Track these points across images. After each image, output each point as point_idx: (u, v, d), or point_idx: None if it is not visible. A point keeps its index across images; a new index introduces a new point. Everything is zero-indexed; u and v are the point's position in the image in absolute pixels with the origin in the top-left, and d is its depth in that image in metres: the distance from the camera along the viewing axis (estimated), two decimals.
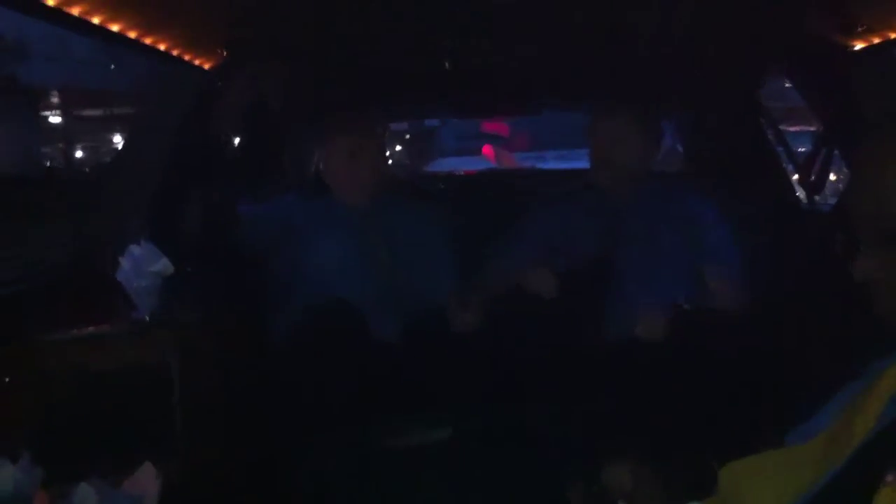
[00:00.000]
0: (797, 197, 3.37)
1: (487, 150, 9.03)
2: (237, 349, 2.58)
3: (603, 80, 3.50)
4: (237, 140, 3.44)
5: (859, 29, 2.29)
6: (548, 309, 2.75)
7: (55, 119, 24.21)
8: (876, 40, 2.31)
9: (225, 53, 2.76)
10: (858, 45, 2.41)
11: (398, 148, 17.26)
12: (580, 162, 3.55)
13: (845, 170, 3.00)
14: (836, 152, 2.77)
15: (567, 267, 2.84)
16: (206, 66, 2.80)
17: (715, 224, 2.92)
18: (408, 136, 16.56)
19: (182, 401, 2.14)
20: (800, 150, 3.58)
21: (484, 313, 2.85)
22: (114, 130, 23.01)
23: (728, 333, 2.55)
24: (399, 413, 2.62)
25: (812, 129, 3.77)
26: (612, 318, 2.78)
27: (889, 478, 1.10)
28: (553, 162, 7.14)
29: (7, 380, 1.97)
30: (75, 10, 1.95)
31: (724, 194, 3.10)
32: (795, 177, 3.41)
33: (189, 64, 2.69)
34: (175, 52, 2.56)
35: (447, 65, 3.22)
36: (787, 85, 3.37)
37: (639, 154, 2.94)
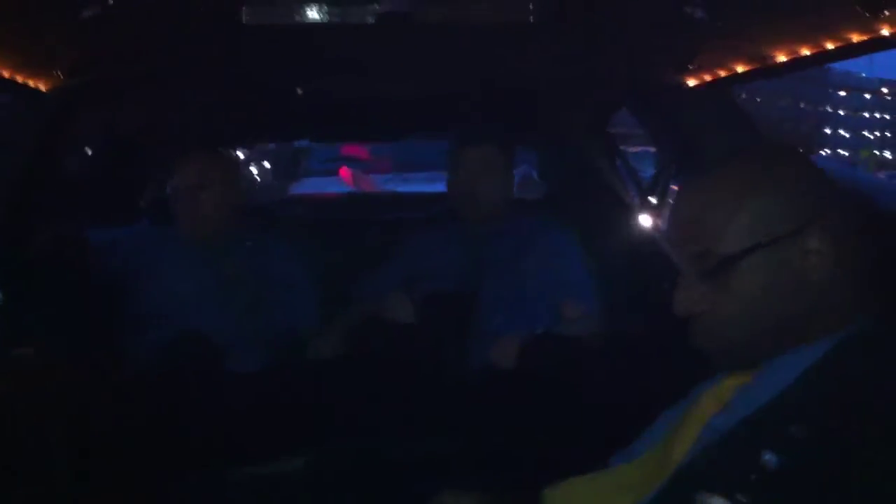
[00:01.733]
0: (641, 226, 3.50)
1: (344, 172, 9.02)
2: (83, 382, 2.48)
3: (461, 110, 3.56)
4: (85, 165, 3.33)
5: (691, 67, 2.43)
6: (406, 338, 2.75)
7: None
8: (707, 78, 2.46)
9: (65, 77, 2.65)
10: (692, 82, 2.56)
11: (267, 166, 17.03)
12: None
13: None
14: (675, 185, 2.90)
15: (427, 295, 2.85)
16: (45, 90, 2.68)
17: (571, 256, 2.98)
18: (275, 156, 16.39)
19: (18, 438, 2.04)
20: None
21: (343, 343, 2.83)
22: None
23: (577, 361, 2.62)
24: (255, 444, 2.58)
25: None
26: (472, 347, 2.80)
27: (704, 500, 1.15)
28: (419, 185, 7.15)
29: None
30: None
31: (578, 224, 3.18)
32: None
33: (27, 88, 2.58)
34: (13, 76, 2.45)
35: (299, 91, 3.20)
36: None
37: (496, 183, 2.96)
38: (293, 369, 2.75)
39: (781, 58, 2.06)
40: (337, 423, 2.56)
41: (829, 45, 1.85)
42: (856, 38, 1.78)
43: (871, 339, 1.20)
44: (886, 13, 1.54)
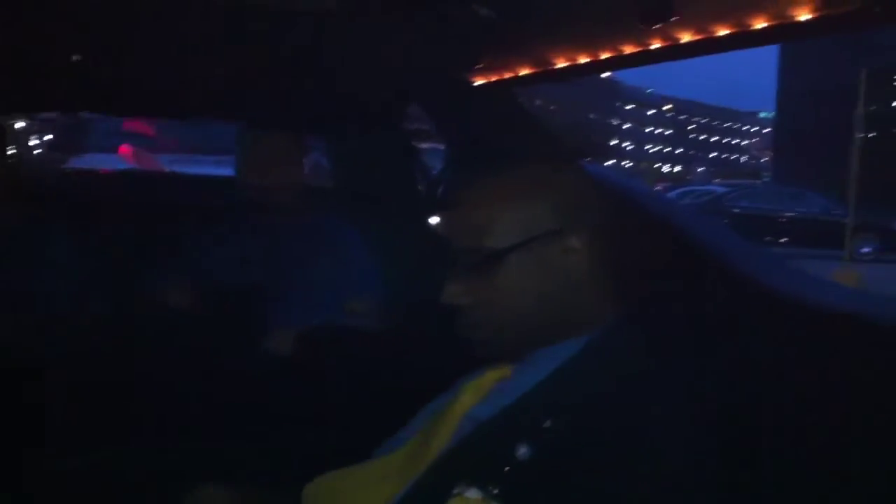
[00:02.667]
0: (426, 220, 3.55)
1: (124, 149, 8.62)
2: None
3: (252, 93, 3.47)
4: None
5: (478, 66, 2.48)
6: (189, 329, 2.64)
7: None
8: (494, 78, 2.52)
9: None
10: (478, 81, 2.61)
11: (50, 138, 16.00)
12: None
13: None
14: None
15: (208, 287, 2.75)
16: None
17: (358, 249, 2.96)
18: (57, 128, 15.42)
19: None
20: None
21: (119, 336, 2.68)
22: None
23: (357, 356, 2.61)
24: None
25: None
26: (254, 341, 2.71)
27: (459, 490, 1.16)
28: (207, 167, 6.93)
29: None
30: None
31: (367, 215, 3.18)
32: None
33: None
34: None
35: (75, 58, 3.00)
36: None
37: (285, 170, 2.91)
38: (64, 364, 2.57)
39: (561, 63, 2.13)
40: (112, 419, 2.43)
41: (605, 55, 1.94)
42: (629, 49, 1.87)
43: (618, 338, 1.26)
44: (660, 26, 1.62)
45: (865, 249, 17.12)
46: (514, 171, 1.34)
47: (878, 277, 11.41)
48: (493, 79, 2.51)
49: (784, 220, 19.79)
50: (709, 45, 1.61)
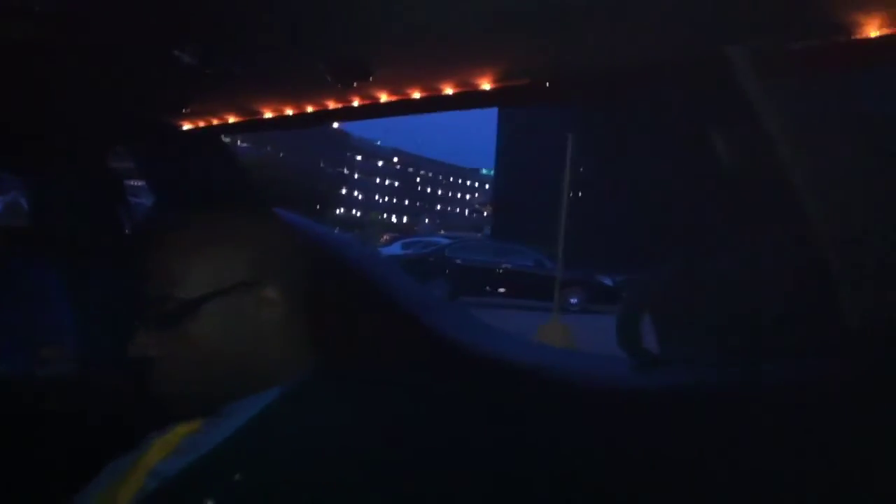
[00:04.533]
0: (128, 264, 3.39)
1: None
2: None
3: None
4: None
5: (184, 112, 2.44)
6: None
7: None
8: (201, 124, 2.50)
9: None
10: (186, 126, 2.58)
11: None
12: None
13: None
14: None
15: None
16: None
17: (53, 294, 2.80)
18: None
19: None
20: None
21: None
22: None
23: (49, 405, 2.46)
24: None
25: None
26: None
27: None
28: None
29: None
30: None
31: (68, 260, 3.01)
32: None
33: None
34: None
35: None
36: None
37: None
38: None
39: (268, 114, 2.16)
40: None
41: (309, 108, 1.99)
42: (332, 104, 1.93)
43: (312, 388, 1.27)
44: (356, 85, 1.69)
45: (573, 301, 18.42)
46: (210, 220, 1.32)
47: (584, 326, 12.30)
48: (201, 124, 2.49)
49: (501, 271, 20.88)
50: (405, 106, 1.70)
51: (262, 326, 1.28)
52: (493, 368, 1.33)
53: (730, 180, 1.91)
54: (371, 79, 1.56)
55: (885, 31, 1.36)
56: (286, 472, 1.15)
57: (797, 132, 1.66)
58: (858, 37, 1.35)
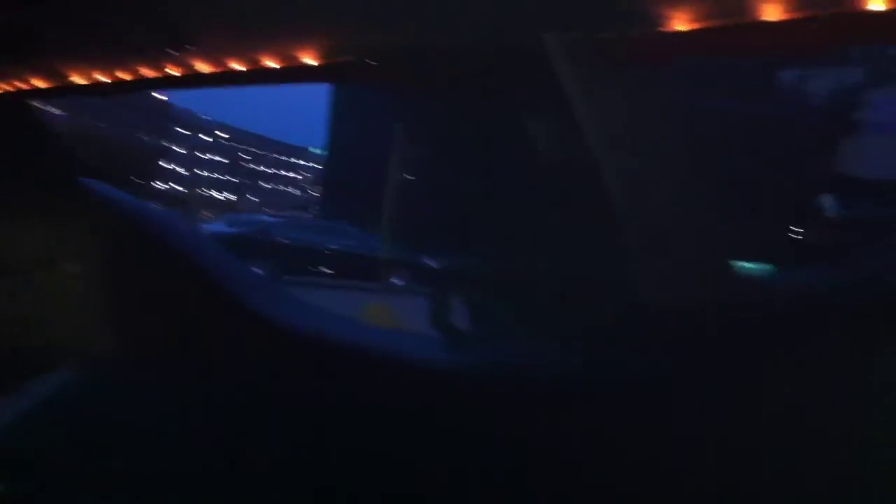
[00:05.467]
0: None
1: None
2: None
3: None
4: None
5: None
6: None
7: None
8: (5, 87, 2.32)
9: None
10: None
11: None
12: None
13: None
14: None
15: None
16: None
17: None
18: None
19: None
20: None
21: None
22: None
23: None
24: None
25: None
26: None
27: None
28: None
29: None
30: None
31: None
32: None
33: None
34: None
35: None
36: None
37: None
38: None
39: (77, 79, 2.03)
40: None
41: (124, 76, 1.88)
42: (148, 73, 1.83)
43: (108, 363, 1.22)
44: (172, 52, 1.61)
45: (399, 282, 18.55)
46: (5, 192, 1.23)
47: (409, 307, 12.41)
48: (5, 89, 2.31)
49: (328, 252, 20.75)
50: (226, 78, 1.63)
51: (61, 302, 1.21)
52: (312, 346, 1.32)
53: (545, 168, 1.97)
54: (189, 47, 1.49)
55: (696, 26, 1.43)
56: (80, 449, 1.10)
57: (611, 123, 1.73)
58: (669, 29, 1.40)
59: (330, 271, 19.94)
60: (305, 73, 1.97)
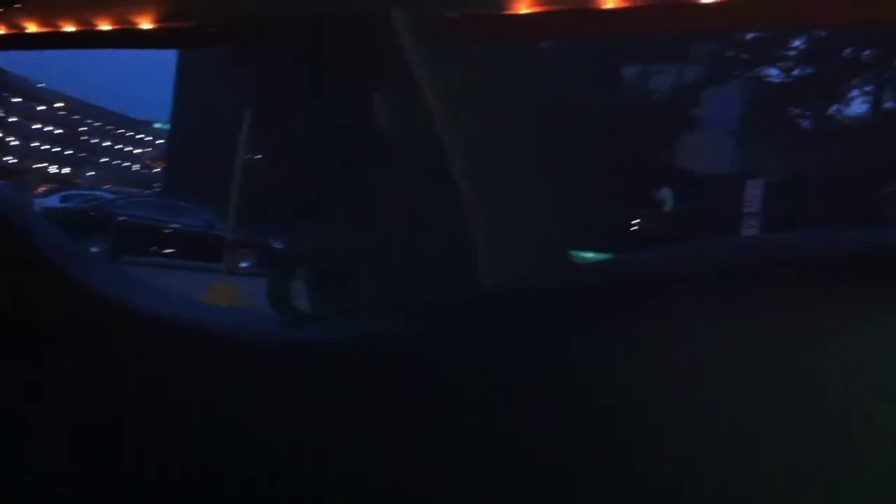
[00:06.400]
0: None
1: None
2: None
3: None
4: None
5: None
6: None
7: None
8: None
9: None
10: None
11: None
12: None
13: None
14: None
15: None
16: None
17: None
18: None
19: None
20: None
21: None
22: None
23: None
24: None
25: None
26: None
27: None
28: None
29: None
30: None
31: None
32: None
33: None
34: None
35: None
36: None
37: None
38: None
39: None
40: None
41: None
42: None
43: None
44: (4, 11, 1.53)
45: (243, 264, 18.15)
46: None
47: (254, 288, 12.22)
48: None
49: (170, 231, 20.11)
50: (56, 39, 1.57)
51: None
52: (146, 325, 1.30)
53: (387, 146, 1.99)
54: (18, 5, 1.42)
55: (540, 9, 1.47)
56: None
57: (453, 101, 1.76)
58: (514, 12, 1.45)
59: (172, 251, 19.34)
60: (140, 38, 1.88)
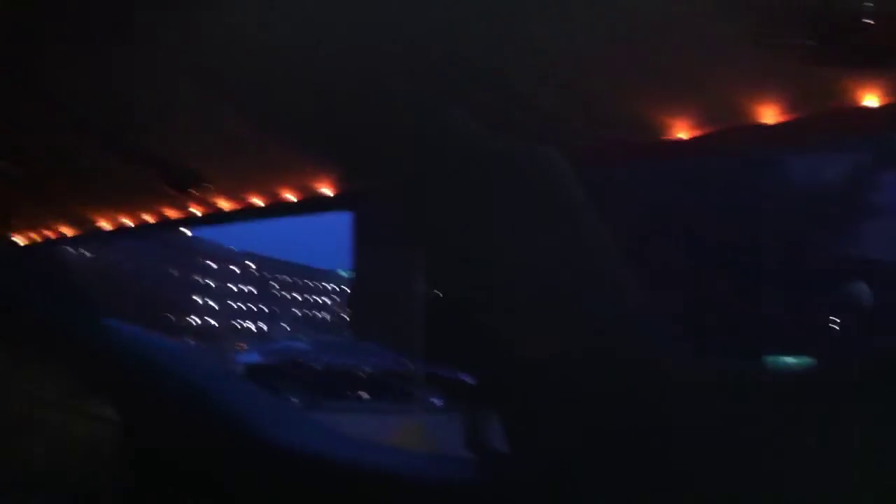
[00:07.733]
0: None
1: None
2: None
3: None
4: None
5: (13, 223, 2.33)
6: None
7: None
8: (34, 236, 2.38)
9: None
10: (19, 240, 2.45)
11: None
12: None
13: None
14: None
15: None
16: None
17: None
18: None
19: None
20: None
21: None
22: None
23: None
24: None
25: None
26: None
27: None
28: None
29: None
30: None
31: None
32: None
33: None
34: None
35: None
36: None
37: None
38: None
39: (105, 224, 2.07)
40: None
41: (148, 217, 1.92)
42: (172, 214, 1.87)
43: None
44: (193, 191, 1.64)
45: (435, 400, 18.22)
46: (36, 337, 1.26)
47: (444, 426, 12.22)
48: (36, 238, 2.37)
49: (362, 374, 20.61)
50: (247, 213, 1.66)
51: (86, 449, 1.22)
52: (338, 477, 1.31)
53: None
54: (207, 186, 1.52)
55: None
56: None
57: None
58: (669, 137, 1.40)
59: (364, 394, 19.76)
60: (323, 204, 2.01)
